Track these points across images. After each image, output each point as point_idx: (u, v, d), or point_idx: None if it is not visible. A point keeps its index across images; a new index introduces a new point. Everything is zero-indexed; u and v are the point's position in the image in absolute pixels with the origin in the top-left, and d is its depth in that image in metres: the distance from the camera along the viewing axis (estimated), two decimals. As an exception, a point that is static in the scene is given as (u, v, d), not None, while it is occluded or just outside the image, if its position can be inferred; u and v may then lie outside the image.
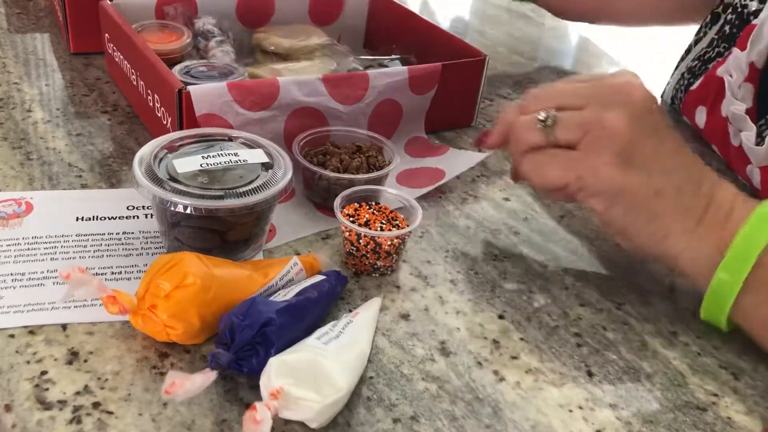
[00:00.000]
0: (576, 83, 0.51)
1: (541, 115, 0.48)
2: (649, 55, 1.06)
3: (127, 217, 0.54)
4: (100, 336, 0.44)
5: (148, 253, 0.51)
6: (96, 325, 0.44)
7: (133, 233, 0.53)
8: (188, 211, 0.46)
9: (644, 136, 0.47)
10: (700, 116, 0.77)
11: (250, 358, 0.40)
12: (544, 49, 1.06)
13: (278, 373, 0.38)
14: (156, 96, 0.61)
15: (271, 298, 0.44)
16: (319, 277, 0.48)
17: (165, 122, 0.60)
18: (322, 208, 0.58)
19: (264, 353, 0.40)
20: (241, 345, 0.40)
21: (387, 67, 0.76)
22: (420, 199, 0.61)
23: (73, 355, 0.42)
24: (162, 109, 0.60)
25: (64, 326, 0.44)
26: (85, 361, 0.42)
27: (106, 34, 0.74)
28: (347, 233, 0.51)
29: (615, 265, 0.51)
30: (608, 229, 0.50)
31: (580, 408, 0.43)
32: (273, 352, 0.40)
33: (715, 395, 0.45)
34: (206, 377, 0.37)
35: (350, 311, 0.48)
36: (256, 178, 0.49)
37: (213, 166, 0.49)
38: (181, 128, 0.57)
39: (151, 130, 0.65)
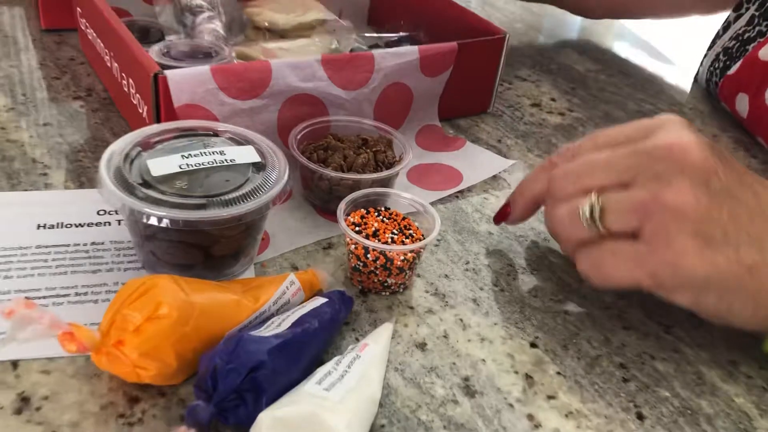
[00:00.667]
0: (609, 147, 0.41)
1: (585, 209, 0.40)
2: (676, 29, 0.98)
3: (97, 224, 0.47)
4: (57, 375, 0.36)
5: (119, 269, 0.44)
6: (53, 360, 0.37)
7: (103, 243, 0.45)
8: (163, 224, 0.38)
9: (717, 204, 0.38)
10: (742, 104, 0.70)
11: (237, 409, 0.33)
12: (563, 24, 0.98)
13: (270, 433, 0.31)
14: (131, 81, 0.53)
15: (262, 329, 0.37)
16: (320, 300, 0.41)
17: (141, 111, 0.52)
18: (322, 212, 0.51)
19: (253, 403, 0.33)
20: (226, 394, 0.33)
21: (395, 46, 0.67)
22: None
23: (24, 402, 0.35)
24: (138, 96, 0.52)
25: (14, 363, 0.37)
26: (38, 409, 0.35)
27: (78, 8, 0.65)
28: (353, 246, 0.43)
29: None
30: (700, 314, 0.41)
31: (632, 462, 0.36)
32: (264, 401, 0.33)
33: (789, 442, 0.38)
34: (181, 442, 0.30)
35: (357, 339, 0.41)
36: (246, 181, 0.42)
37: (194, 167, 0.42)
38: (158, 120, 0.49)
39: (128, 119, 0.58)
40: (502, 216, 0.49)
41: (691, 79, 0.82)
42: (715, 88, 0.75)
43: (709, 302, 0.39)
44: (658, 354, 0.43)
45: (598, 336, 0.44)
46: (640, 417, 0.39)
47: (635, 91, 0.78)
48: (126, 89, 0.55)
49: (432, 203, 0.52)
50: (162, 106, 0.49)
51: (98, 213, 0.48)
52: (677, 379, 0.41)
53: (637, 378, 0.41)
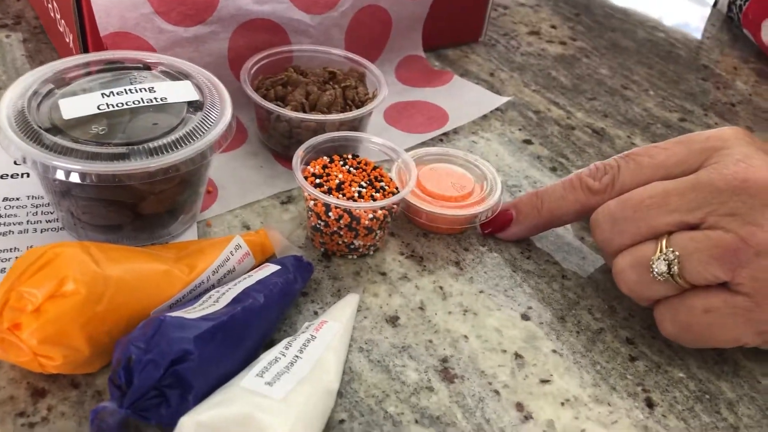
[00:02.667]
0: (660, 176, 0.34)
1: (659, 265, 0.32)
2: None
3: (12, 176, 0.40)
4: (-53, 364, 0.30)
5: (35, 230, 0.37)
6: (-55, 345, 0.31)
7: (18, 199, 0.38)
8: (72, 178, 0.31)
9: None
10: (768, 31, 0.61)
11: (158, 408, 0.27)
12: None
13: (193, 443, 0.25)
14: (55, 4, 0.45)
15: (195, 306, 0.30)
16: (271, 268, 0.34)
17: (68, 41, 0.44)
18: (281, 159, 0.44)
19: (177, 401, 0.27)
20: (142, 392, 0.27)
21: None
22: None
23: None
24: (63, 22, 0.44)
25: None
26: None
27: None
28: (312, 203, 0.36)
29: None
30: None
31: (640, 460, 0.30)
32: (191, 399, 0.27)
33: (825, 433, 0.32)
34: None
35: (316, 313, 0.35)
36: (179, 124, 0.34)
37: (116, 107, 0.34)
38: (85, 51, 0.42)
39: (60, 51, 0.50)
40: (499, 224, 0.40)
41: (710, 4, 0.73)
42: (738, 12, 0.67)
43: None
44: (671, 326, 0.37)
45: (602, 305, 0.37)
46: (650, 404, 0.33)
47: (646, 17, 0.69)
48: (52, 15, 0.47)
49: (412, 148, 0.45)
50: (88, 35, 0.41)
51: (16, 163, 0.41)
52: (693, 357, 0.35)
53: (646, 356, 0.35)
